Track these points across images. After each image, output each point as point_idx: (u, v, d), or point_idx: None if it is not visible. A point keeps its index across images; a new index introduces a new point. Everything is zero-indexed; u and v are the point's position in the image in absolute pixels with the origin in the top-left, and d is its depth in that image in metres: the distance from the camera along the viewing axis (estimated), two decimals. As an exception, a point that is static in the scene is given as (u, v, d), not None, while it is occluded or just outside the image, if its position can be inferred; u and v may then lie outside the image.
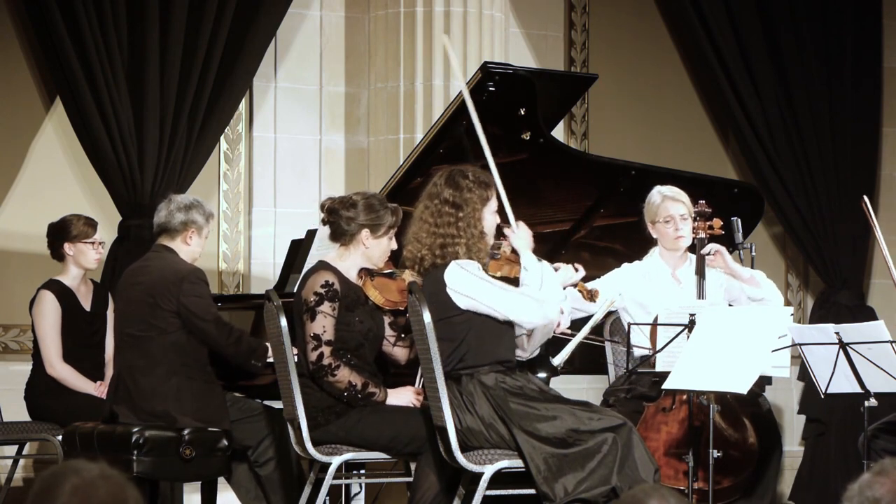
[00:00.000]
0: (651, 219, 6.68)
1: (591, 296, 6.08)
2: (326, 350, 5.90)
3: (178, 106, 7.97)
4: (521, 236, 5.91)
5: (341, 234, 6.09)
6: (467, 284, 5.67)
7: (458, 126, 7.06)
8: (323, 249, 6.98)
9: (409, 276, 5.97)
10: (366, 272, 6.10)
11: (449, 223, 5.71)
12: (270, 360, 6.42)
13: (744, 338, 5.73)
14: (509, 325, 5.81)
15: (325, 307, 5.92)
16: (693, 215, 6.64)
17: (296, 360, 6.05)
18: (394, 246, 6.12)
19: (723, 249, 6.56)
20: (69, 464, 2.58)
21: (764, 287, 6.57)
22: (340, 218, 6.06)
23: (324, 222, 6.16)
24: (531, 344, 6.03)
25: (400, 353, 6.25)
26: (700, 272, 6.56)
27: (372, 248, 6.07)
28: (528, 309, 5.68)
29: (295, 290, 6.24)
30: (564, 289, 5.91)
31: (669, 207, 6.61)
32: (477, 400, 5.67)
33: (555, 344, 6.48)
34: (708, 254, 6.54)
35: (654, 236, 6.72)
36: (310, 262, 7.08)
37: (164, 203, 6.62)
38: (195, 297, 6.41)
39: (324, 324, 5.92)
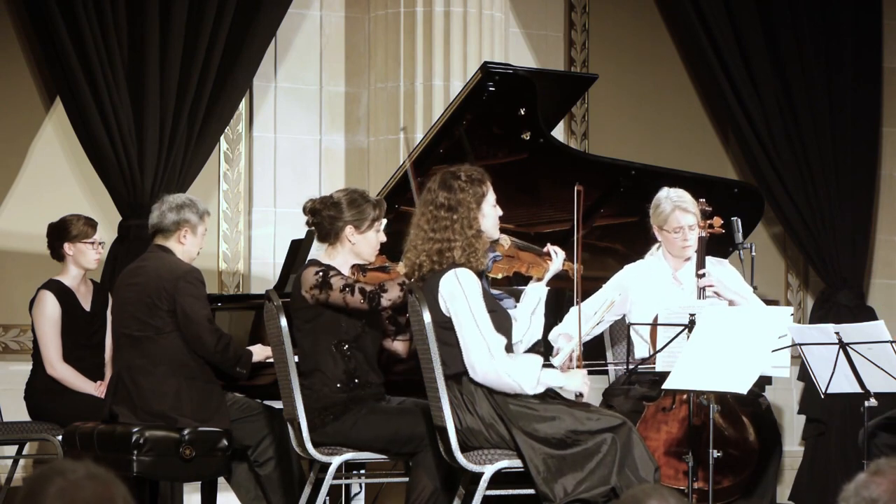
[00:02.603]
0: (659, 224, 6.65)
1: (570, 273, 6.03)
2: (359, 285, 5.91)
3: (178, 106, 7.97)
4: (556, 263, 5.92)
5: (326, 234, 6.10)
6: (454, 301, 5.64)
7: (458, 126, 7.06)
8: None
9: (401, 267, 5.96)
10: (357, 268, 6.09)
11: (445, 227, 5.69)
12: (271, 360, 6.44)
13: (744, 338, 5.73)
14: (509, 321, 5.81)
15: (331, 277, 5.93)
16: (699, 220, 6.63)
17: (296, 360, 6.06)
18: (382, 238, 6.12)
19: (717, 285, 6.52)
20: (54, 465, 2.55)
21: None
22: (323, 218, 6.06)
23: (308, 224, 6.17)
24: (531, 329, 5.99)
25: (401, 346, 6.25)
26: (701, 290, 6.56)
27: (359, 244, 6.06)
28: (484, 362, 5.59)
29: (290, 293, 6.23)
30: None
31: (680, 218, 6.58)
32: (477, 400, 5.67)
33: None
34: (703, 290, 6.51)
35: (660, 239, 6.70)
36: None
37: (157, 204, 6.63)
38: (191, 297, 6.42)
39: (343, 279, 5.93)
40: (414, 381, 5.98)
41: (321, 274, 5.94)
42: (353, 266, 6.09)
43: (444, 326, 5.64)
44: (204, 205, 6.70)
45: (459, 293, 5.63)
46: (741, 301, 6.53)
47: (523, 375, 5.58)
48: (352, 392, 5.97)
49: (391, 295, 5.90)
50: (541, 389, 5.62)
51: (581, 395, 5.75)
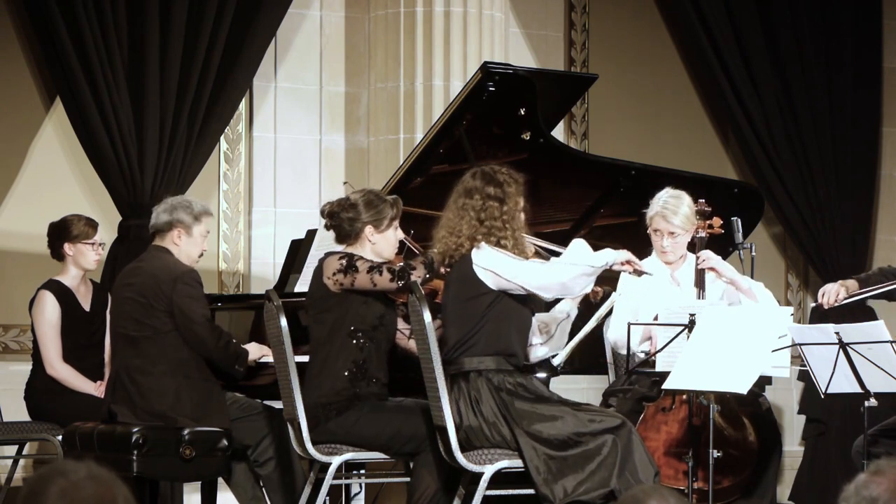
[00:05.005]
0: (647, 221, 6.69)
1: (595, 294, 6.11)
2: (387, 265, 5.95)
3: (178, 106, 7.97)
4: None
5: (346, 236, 6.13)
6: (490, 259, 5.75)
7: (458, 126, 7.06)
8: (323, 249, 6.98)
9: (435, 252, 6.02)
10: None
11: (494, 217, 5.81)
12: (270, 359, 6.46)
13: (744, 338, 5.73)
14: (528, 320, 5.85)
15: (356, 260, 5.96)
16: (690, 228, 6.61)
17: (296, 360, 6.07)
18: (400, 236, 6.18)
19: (715, 263, 6.52)
20: (56, 466, 2.56)
21: (762, 301, 6.54)
22: (342, 220, 6.10)
23: (327, 227, 6.20)
24: (553, 340, 6.06)
25: (415, 345, 6.26)
26: (699, 284, 6.55)
27: (379, 243, 6.11)
28: (542, 274, 5.72)
29: (308, 288, 6.23)
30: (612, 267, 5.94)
31: (659, 223, 6.60)
32: (483, 398, 5.69)
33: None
34: (702, 270, 6.53)
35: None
36: (310, 262, 7.08)
37: (158, 205, 6.64)
38: (188, 297, 6.42)
39: (368, 262, 5.96)
40: (417, 381, 6.00)
41: (346, 259, 5.98)
42: None
43: (475, 295, 5.72)
44: (202, 205, 6.67)
45: (494, 252, 5.76)
46: (742, 282, 6.52)
47: (578, 256, 5.78)
48: (357, 384, 5.97)
49: (419, 273, 5.94)
50: (601, 259, 5.76)
51: (630, 265, 5.85)
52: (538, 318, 6.04)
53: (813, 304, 6.42)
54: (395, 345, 6.22)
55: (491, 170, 5.92)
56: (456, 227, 5.84)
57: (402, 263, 6.00)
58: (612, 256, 5.79)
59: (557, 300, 6.09)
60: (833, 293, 6.43)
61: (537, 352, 6.02)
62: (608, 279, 6.89)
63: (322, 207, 6.23)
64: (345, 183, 7.00)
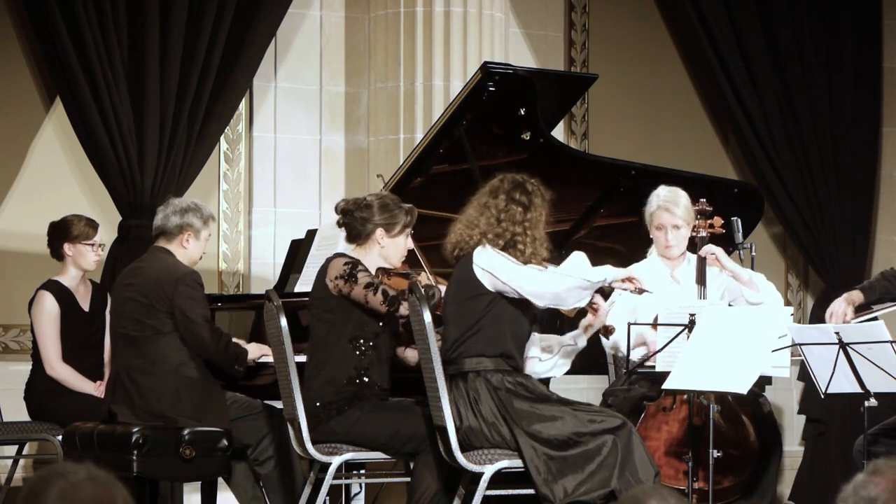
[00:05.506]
0: (647, 221, 6.69)
1: (606, 331, 6.13)
2: (383, 287, 5.95)
3: (178, 106, 7.97)
4: (601, 317, 6.05)
5: (356, 235, 6.14)
6: (489, 261, 5.75)
7: (458, 126, 7.06)
8: (323, 249, 6.99)
9: (424, 278, 6.02)
10: (382, 272, 6.13)
11: (514, 221, 5.81)
12: (270, 359, 6.46)
13: (744, 338, 5.73)
14: (525, 327, 5.84)
15: (358, 271, 5.96)
16: (691, 221, 6.61)
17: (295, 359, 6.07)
18: (410, 245, 6.18)
19: (719, 252, 6.53)
20: (56, 467, 2.57)
21: (763, 291, 6.54)
22: (355, 219, 6.11)
23: (339, 224, 6.21)
24: (552, 360, 6.07)
25: (412, 355, 6.25)
26: (701, 280, 6.55)
27: (388, 248, 6.12)
28: (536, 281, 5.70)
29: (311, 287, 6.23)
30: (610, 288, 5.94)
31: (662, 217, 6.60)
32: (482, 398, 5.69)
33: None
34: (704, 258, 6.54)
35: (651, 236, 6.74)
36: (310, 262, 7.08)
37: (163, 206, 6.65)
38: (189, 299, 6.42)
39: (369, 276, 5.96)
40: (417, 381, 6.01)
41: (349, 266, 5.98)
42: (378, 269, 6.13)
43: (474, 295, 5.72)
44: (209, 210, 6.70)
45: (495, 255, 5.75)
46: (743, 274, 6.52)
47: (576, 269, 5.80)
48: (358, 389, 5.98)
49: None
50: (599, 275, 5.74)
51: (632, 283, 5.81)
52: (542, 338, 6.05)
53: (812, 308, 6.40)
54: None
55: (521, 178, 5.93)
56: (475, 221, 5.85)
57: (395, 292, 5.98)
58: (611, 274, 5.77)
59: (570, 328, 6.11)
60: (840, 314, 6.42)
61: (534, 367, 6.02)
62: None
63: (337, 204, 6.25)
64: (378, 175, 7.03)
